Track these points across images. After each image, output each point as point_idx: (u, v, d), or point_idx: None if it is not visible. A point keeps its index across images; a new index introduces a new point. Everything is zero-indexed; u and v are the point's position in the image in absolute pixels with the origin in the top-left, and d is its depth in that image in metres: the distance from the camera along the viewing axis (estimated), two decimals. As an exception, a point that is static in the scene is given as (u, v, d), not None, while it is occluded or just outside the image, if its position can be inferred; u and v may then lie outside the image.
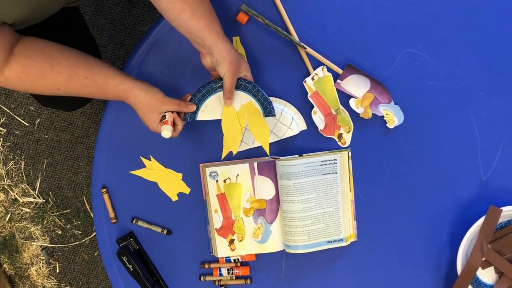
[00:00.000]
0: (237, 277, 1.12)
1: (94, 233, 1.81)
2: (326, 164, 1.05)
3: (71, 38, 1.19)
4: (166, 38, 1.09)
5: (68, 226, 1.82)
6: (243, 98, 1.01)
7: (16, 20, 0.88)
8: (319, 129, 1.08)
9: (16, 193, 1.81)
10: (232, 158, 1.09)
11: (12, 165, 1.80)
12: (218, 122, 1.09)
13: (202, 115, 1.02)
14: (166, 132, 0.96)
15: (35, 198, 1.81)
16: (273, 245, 1.09)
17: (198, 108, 1.02)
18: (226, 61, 0.94)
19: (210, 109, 1.02)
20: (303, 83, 1.07)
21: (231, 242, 1.10)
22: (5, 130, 1.78)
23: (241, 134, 1.03)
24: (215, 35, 0.94)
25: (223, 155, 1.04)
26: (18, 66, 0.90)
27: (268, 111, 1.02)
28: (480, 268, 1.06)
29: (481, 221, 1.03)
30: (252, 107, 1.02)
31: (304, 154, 1.08)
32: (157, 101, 0.98)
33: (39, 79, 0.92)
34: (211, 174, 1.09)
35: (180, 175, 1.11)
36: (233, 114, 1.02)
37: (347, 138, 1.08)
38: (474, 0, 1.06)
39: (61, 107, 1.33)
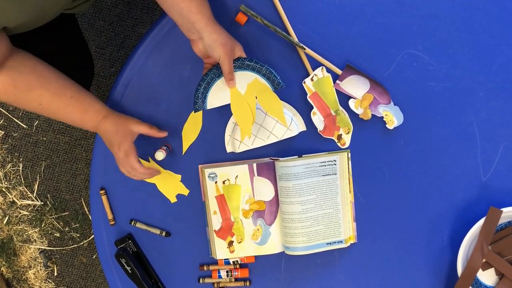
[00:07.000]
0: (236, 279, 1.11)
1: (93, 236, 1.80)
2: (325, 165, 1.05)
3: (66, 45, 1.18)
4: (165, 39, 1.09)
5: (66, 229, 1.81)
6: (247, 77, 1.00)
7: (19, 24, 0.87)
8: (318, 130, 1.07)
9: (14, 196, 1.80)
10: (231, 159, 1.09)
11: (10, 167, 1.79)
12: (215, 123, 1.09)
13: (211, 103, 1.02)
14: (160, 154, 1.06)
15: (33, 200, 1.80)
16: (272, 247, 1.08)
17: (205, 97, 1.01)
18: (218, 44, 0.93)
19: (218, 95, 1.01)
20: (302, 84, 1.07)
21: (230, 244, 1.09)
22: (3, 132, 1.78)
23: (252, 116, 1.01)
24: (205, 18, 0.93)
25: (242, 140, 1.06)
26: (7, 79, 0.90)
27: (277, 83, 1.00)
28: (480, 270, 1.05)
29: (481, 222, 1.03)
30: (259, 84, 1.00)
31: (303, 155, 1.08)
32: (131, 119, 1.02)
33: (25, 93, 0.93)
34: (210, 175, 1.09)
35: (179, 176, 1.10)
36: (240, 96, 1.01)
37: (347, 139, 1.08)
38: (474, 1, 1.06)
39: None
